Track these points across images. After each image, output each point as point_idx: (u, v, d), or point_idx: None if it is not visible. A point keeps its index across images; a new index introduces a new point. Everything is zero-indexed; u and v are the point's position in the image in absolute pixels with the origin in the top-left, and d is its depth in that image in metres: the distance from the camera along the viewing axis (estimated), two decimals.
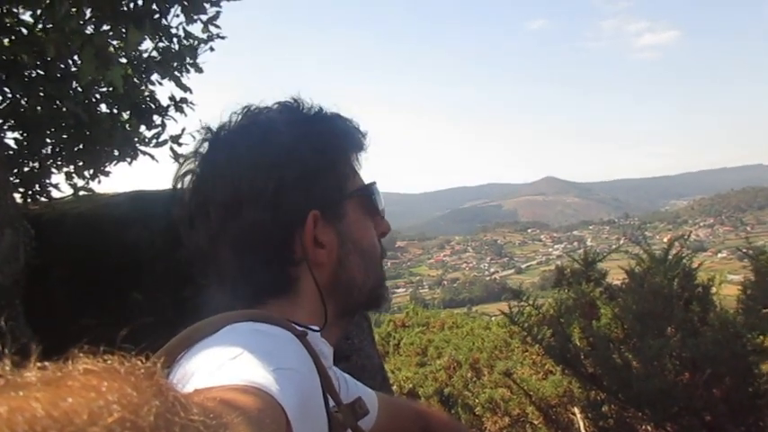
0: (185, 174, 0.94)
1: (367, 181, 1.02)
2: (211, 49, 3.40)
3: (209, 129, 0.95)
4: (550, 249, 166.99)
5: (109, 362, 0.35)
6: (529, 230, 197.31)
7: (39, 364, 0.33)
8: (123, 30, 2.62)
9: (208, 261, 0.92)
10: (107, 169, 3.36)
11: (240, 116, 0.95)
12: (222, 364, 0.62)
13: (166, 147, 3.46)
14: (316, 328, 0.87)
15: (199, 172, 0.92)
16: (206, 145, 0.94)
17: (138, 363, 0.36)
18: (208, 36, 3.35)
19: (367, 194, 0.99)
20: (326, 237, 0.91)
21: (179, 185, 0.94)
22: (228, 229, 0.89)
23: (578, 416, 3.82)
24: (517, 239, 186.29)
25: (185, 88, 3.23)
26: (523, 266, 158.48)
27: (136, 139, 3.32)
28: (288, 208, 0.88)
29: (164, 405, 0.32)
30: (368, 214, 0.99)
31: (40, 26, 2.64)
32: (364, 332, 3.68)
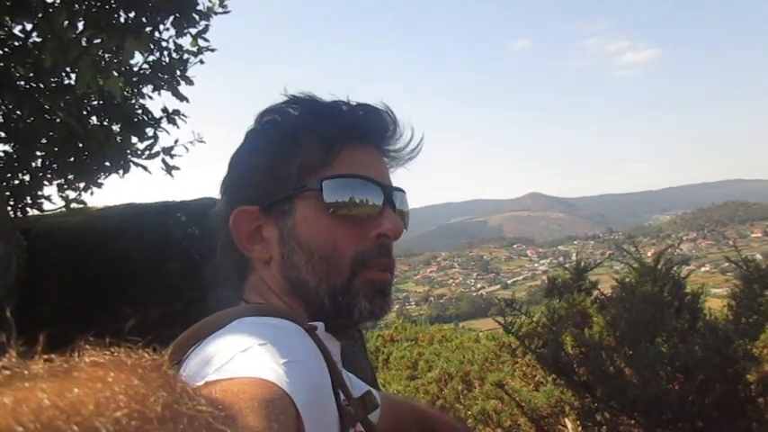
0: None
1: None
2: (201, 61, 3.42)
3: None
4: (536, 265, 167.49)
5: (116, 354, 0.35)
6: (514, 246, 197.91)
7: (45, 356, 0.33)
8: (115, 44, 2.64)
9: None
10: (100, 181, 3.35)
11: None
12: (232, 357, 0.63)
13: (158, 159, 3.47)
14: (320, 323, 0.87)
15: None
16: None
17: (146, 355, 0.36)
18: (197, 49, 3.37)
19: (315, 189, 0.89)
20: (270, 233, 0.92)
21: None
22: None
23: (569, 427, 3.83)
24: (503, 255, 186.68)
25: (182, 97, 3.23)
26: (509, 282, 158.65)
27: (128, 151, 3.32)
28: (228, 206, 0.93)
29: (171, 396, 0.32)
30: (332, 213, 0.88)
31: (32, 38, 2.64)
32: (356, 344, 3.66)
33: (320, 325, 0.86)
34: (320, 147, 0.90)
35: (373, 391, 1.16)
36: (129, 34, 2.33)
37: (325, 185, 0.88)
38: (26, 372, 0.31)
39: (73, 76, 2.72)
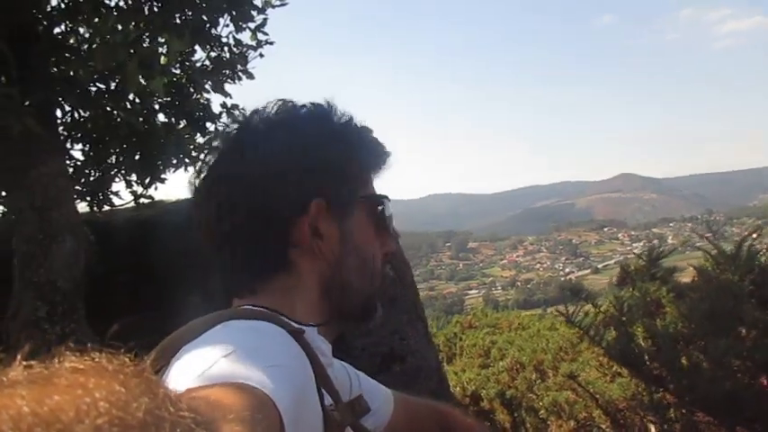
0: (210, 151, 0.93)
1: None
2: (261, 55, 3.48)
3: (243, 113, 0.94)
4: (629, 248, 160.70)
5: (96, 360, 0.34)
6: (605, 229, 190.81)
7: (25, 363, 0.32)
8: (158, 45, 2.74)
9: (208, 244, 0.91)
10: (163, 177, 3.49)
11: (275, 107, 0.94)
12: (215, 362, 0.62)
13: None
14: (312, 324, 0.85)
15: (222, 150, 0.91)
16: (234, 126, 0.93)
17: (127, 360, 0.36)
18: (257, 43, 3.43)
19: (377, 203, 0.97)
20: (328, 230, 0.88)
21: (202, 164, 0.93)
22: (233, 210, 0.86)
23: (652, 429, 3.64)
24: (593, 239, 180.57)
25: (226, 94, 3.31)
26: (600, 266, 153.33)
27: (191, 147, 3.44)
28: (292, 194, 0.86)
29: (153, 402, 0.32)
30: (374, 226, 0.96)
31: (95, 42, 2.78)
32: (419, 333, 3.65)
33: (309, 329, 0.83)
34: (368, 165, 0.98)
35: (384, 391, 1.14)
36: (171, 34, 2.40)
37: (385, 202, 0.97)
38: (5, 378, 0.31)
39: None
